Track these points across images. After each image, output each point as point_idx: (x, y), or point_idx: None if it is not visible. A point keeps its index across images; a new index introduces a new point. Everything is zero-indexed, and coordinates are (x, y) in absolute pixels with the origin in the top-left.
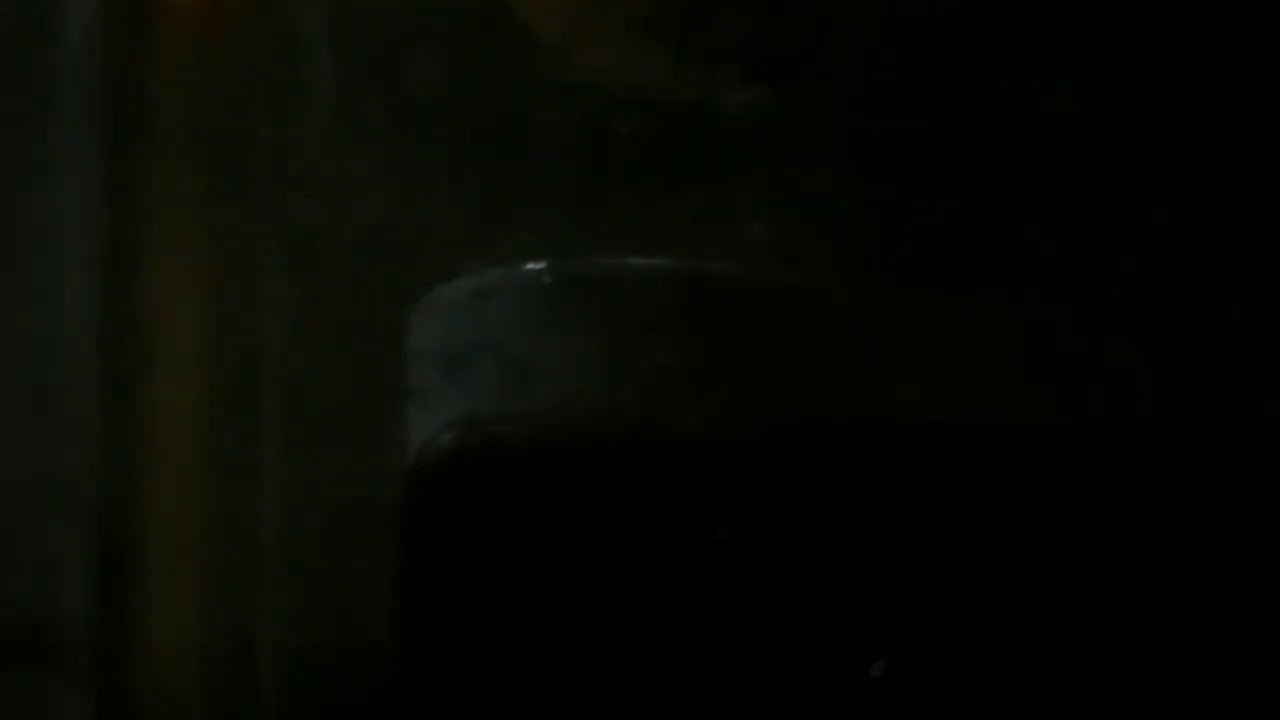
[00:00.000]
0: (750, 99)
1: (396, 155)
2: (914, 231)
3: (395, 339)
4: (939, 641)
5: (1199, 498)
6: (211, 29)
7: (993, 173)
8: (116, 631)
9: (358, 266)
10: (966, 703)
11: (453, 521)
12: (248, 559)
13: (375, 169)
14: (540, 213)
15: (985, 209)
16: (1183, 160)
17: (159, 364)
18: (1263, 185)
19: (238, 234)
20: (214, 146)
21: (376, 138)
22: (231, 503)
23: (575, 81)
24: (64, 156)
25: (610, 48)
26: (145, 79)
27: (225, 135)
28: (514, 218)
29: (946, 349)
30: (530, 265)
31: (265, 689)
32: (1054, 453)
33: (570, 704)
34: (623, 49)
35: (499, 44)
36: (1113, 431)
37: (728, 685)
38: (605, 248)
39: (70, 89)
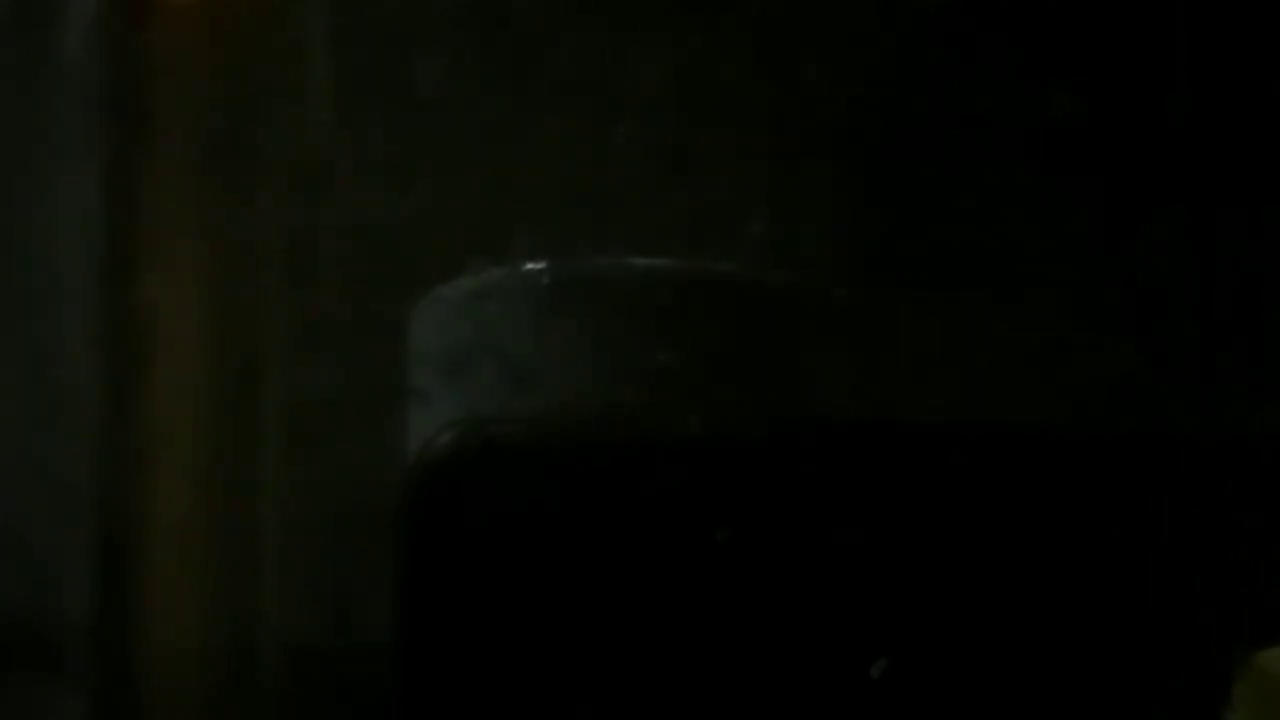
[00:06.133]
0: (750, 99)
1: (397, 155)
2: (914, 231)
3: (395, 339)
4: (938, 641)
5: (1198, 497)
6: (211, 29)
7: (993, 172)
8: (116, 631)
9: (358, 266)
10: (966, 703)
11: (453, 522)
12: (248, 559)
13: (375, 169)
14: (540, 213)
15: (985, 209)
16: (1183, 160)
17: (159, 364)
18: (1263, 185)
19: (238, 234)
20: (214, 147)
21: (377, 138)
22: (231, 503)
23: (575, 81)
24: (64, 156)
25: (610, 46)
26: (145, 79)
27: (225, 135)
28: (514, 218)
29: (946, 349)
30: (530, 265)
31: (265, 689)
32: (1054, 453)
33: (570, 704)
34: (623, 48)
35: (499, 44)
36: (1113, 431)
37: (728, 685)
38: (605, 248)
39: (70, 89)
